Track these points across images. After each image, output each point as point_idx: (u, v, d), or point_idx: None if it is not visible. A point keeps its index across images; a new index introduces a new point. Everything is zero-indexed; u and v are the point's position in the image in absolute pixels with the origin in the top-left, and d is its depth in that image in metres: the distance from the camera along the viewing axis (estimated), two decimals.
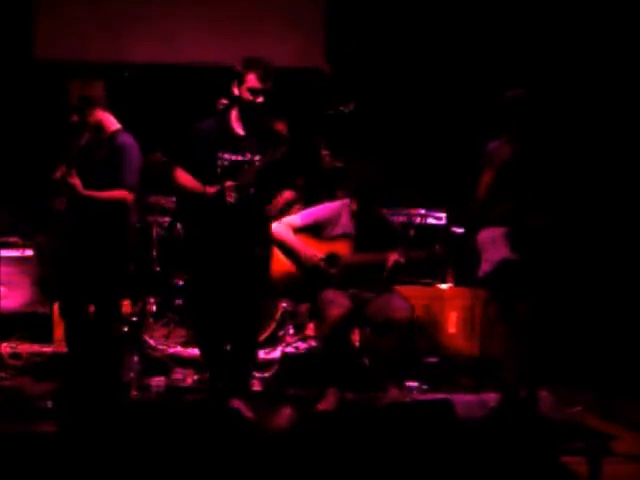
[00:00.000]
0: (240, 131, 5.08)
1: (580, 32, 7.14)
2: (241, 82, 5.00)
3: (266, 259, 5.19)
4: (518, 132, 5.32)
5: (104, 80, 5.14)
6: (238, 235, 5.02)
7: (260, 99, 4.99)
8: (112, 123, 5.10)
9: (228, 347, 5.20)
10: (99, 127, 5.07)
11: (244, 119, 5.06)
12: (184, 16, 7.78)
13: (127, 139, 5.04)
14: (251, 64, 5.00)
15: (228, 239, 5.02)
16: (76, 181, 4.91)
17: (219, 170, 5.01)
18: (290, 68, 7.77)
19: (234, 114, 5.10)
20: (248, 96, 4.99)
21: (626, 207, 6.75)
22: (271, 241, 5.31)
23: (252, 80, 4.97)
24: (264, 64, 5.02)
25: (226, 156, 5.03)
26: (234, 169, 5.01)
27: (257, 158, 5.02)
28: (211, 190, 4.96)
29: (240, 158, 5.03)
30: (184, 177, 5.05)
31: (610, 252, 6.65)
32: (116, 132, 5.07)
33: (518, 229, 5.25)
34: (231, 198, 4.93)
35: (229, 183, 4.95)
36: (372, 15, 7.77)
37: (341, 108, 5.09)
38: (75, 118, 5.02)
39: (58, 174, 4.97)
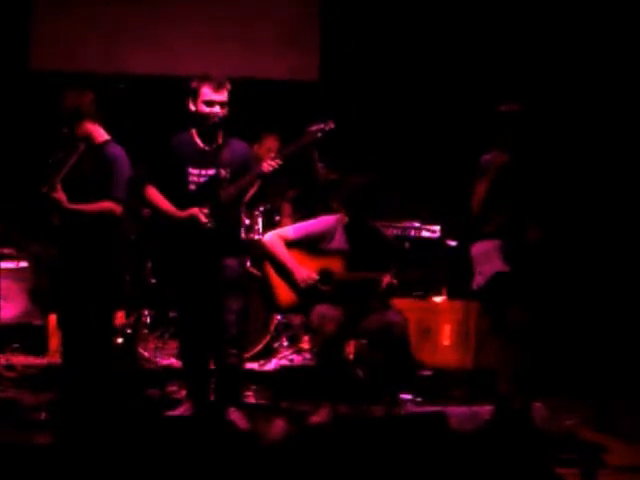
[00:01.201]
0: (202, 145, 5.10)
1: (578, 44, 7.16)
2: (196, 96, 5.03)
3: (239, 271, 5.19)
4: (513, 145, 5.33)
5: (97, 91, 5.14)
6: (210, 250, 5.04)
7: (216, 109, 5.01)
8: (101, 134, 5.09)
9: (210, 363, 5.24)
10: (88, 138, 5.05)
11: (204, 133, 5.08)
12: (181, 29, 7.80)
13: (116, 150, 5.03)
14: (203, 77, 5.04)
15: (200, 255, 5.05)
16: (60, 196, 4.90)
17: (190, 186, 5.05)
18: (286, 82, 7.82)
19: (194, 130, 5.12)
20: (204, 109, 5.02)
21: (623, 219, 6.77)
22: (246, 253, 5.31)
23: (206, 92, 5.00)
24: (216, 76, 5.06)
25: (195, 171, 5.06)
26: (207, 184, 5.04)
27: (224, 172, 5.04)
28: (182, 215, 5.00)
29: (210, 172, 5.06)
30: (155, 195, 5.09)
31: (606, 263, 6.67)
32: (105, 143, 5.06)
33: (512, 242, 5.27)
34: (207, 222, 4.96)
35: (196, 210, 4.97)
36: (367, 30, 7.81)
37: (321, 127, 5.11)
38: (65, 131, 5.02)
39: (44, 188, 4.95)
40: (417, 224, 6.69)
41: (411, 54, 7.74)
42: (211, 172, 5.05)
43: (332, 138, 5.21)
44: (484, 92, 7.12)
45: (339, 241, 5.50)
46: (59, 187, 4.90)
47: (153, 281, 6.63)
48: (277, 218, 6.85)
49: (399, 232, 6.60)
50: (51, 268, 5.78)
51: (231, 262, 5.11)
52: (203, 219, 4.96)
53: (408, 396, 5.89)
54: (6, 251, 6.90)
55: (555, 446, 4.73)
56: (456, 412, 5.34)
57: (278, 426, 5.23)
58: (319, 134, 5.13)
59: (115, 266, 5.11)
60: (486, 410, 5.32)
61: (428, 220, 6.71)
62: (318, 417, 5.26)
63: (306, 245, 5.50)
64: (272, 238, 5.46)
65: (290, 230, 5.54)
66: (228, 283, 5.08)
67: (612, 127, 7.00)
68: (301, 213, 6.75)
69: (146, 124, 7.13)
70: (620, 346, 6.38)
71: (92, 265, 5.04)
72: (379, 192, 5.54)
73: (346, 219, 5.53)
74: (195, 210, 4.98)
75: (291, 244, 5.47)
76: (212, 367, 5.27)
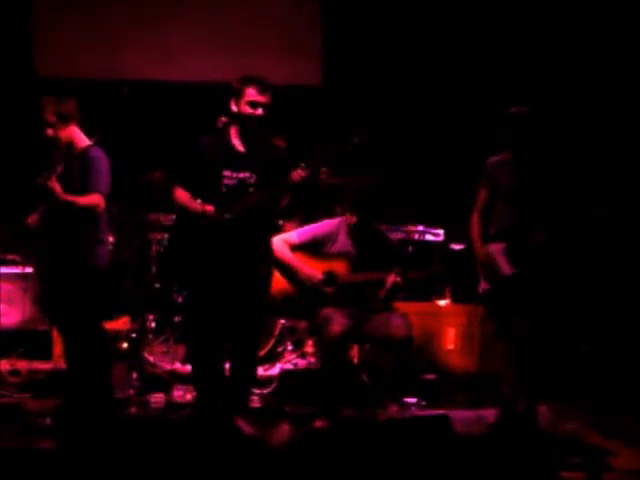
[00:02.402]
0: (241, 148, 5.10)
1: (582, 45, 7.15)
2: (240, 97, 5.03)
3: (268, 277, 5.20)
4: (520, 147, 5.33)
5: (100, 97, 5.18)
6: (240, 254, 5.02)
7: (259, 111, 5.02)
8: (82, 139, 5.15)
9: (225, 366, 5.23)
10: (70, 143, 5.12)
11: (244, 134, 5.08)
12: (183, 34, 7.81)
13: (97, 152, 5.10)
14: (249, 78, 5.06)
15: (229, 258, 5.02)
16: (56, 185, 4.95)
17: (223, 189, 5.04)
18: (288, 86, 7.82)
19: (233, 131, 5.12)
20: (248, 110, 5.02)
21: (627, 220, 6.76)
22: (272, 259, 5.31)
23: (251, 93, 5.01)
24: (261, 78, 5.08)
25: (229, 173, 5.05)
26: (238, 187, 5.03)
27: (258, 177, 5.03)
28: (196, 207, 5.00)
29: (242, 175, 5.05)
30: (184, 196, 5.09)
31: (610, 267, 6.66)
32: (87, 147, 5.12)
33: (518, 245, 5.26)
34: (215, 216, 4.97)
35: (210, 208, 4.96)
36: (370, 33, 7.80)
37: (354, 140, 5.12)
38: (50, 132, 5.07)
39: (40, 180, 4.99)
40: (421, 228, 6.69)
41: (414, 58, 7.73)
42: (244, 175, 5.05)
43: (336, 143, 5.22)
44: (488, 94, 7.11)
45: (342, 244, 5.53)
46: (54, 179, 4.96)
47: (157, 286, 6.64)
48: (280, 222, 6.84)
49: (403, 236, 6.60)
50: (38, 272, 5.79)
51: (258, 270, 5.11)
52: (212, 212, 4.96)
53: (412, 400, 5.89)
54: (11, 257, 6.91)
55: (560, 450, 4.73)
56: (461, 416, 5.34)
57: (283, 430, 5.24)
58: (354, 144, 5.14)
59: (93, 272, 5.11)
60: (491, 414, 5.32)
61: (432, 224, 6.70)
62: (322, 421, 5.26)
63: (310, 248, 5.53)
64: (277, 243, 5.49)
65: (294, 235, 5.58)
66: (254, 289, 5.08)
67: (617, 128, 6.99)
68: (304, 218, 6.75)
69: (149, 129, 7.15)
70: (627, 348, 6.37)
71: (68, 269, 5.07)
72: (384, 194, 5.56)
73: (350, 221, 5.54)
74: (208, 206, 4.99)
75: (295, 248, 5.51)
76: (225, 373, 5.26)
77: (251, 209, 4.99)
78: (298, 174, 4.96)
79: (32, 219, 5.22)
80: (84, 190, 5.00)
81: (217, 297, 5.06)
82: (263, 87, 5.02)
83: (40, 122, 5.09)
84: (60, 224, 5.07)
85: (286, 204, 5.98)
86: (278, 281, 5.48)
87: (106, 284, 5.20)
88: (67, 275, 5.06)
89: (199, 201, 5.02)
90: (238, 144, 5.09)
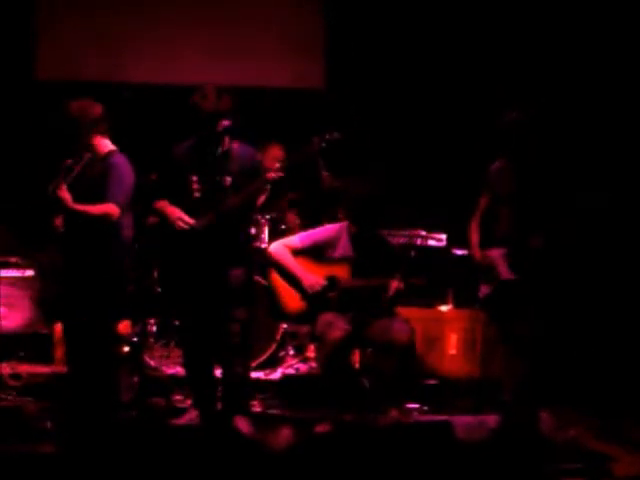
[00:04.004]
0: (207, 152, 5.11)
1: (583, 50, 7.15)
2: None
3: (245, 281, 5.20)
4: (518, 154, 5.33)
5: (102, 100, 5.21)
6: (212, 260, 5.07)
7: (225, 123, 5.02)
8: (106, 145, 5.18)
9: (216, 371, 5.27)
10: (96, 148, 5.15)
11: (208, 140, 5.09)
12: (185, 37, 7.82)
13: (119, 159, 5.13)
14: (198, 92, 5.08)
15: (203, 264, 5.07)
16: (65, 195, 4.98)
17: (195, 194, 5.09)
18: (289, 89, 7.83)
19: (199, 136, 5.13)
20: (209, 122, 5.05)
21: (628, 224, 6.75)
22: (251, 262, 5.33)
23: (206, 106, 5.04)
24: (202, 88, 5.08)
25: (198, 178, 5.09)
26: (208, 192, 5.06)
27: (227, 180, 5.07)
28: (168, 213, 5.07)
29: (211, 180, 5.08)
30: (162, 204, 5.13)
31: (610, 271, 6.66)
32: (110, 153, 5.15)
33: (517, 250, 5.27)
34: (181, 225, 5.03)
35: (177, 214, 5.02)
36: (373, 36, 7.81)
37: (327, 137, 5.16)
38: (78, 139, 5.08)
39: (50, 188, 5.02)
40: (423, 233, 6.67)
41: (417, 61, 7.74)
42: (215, 179, 5.07)
43: (337, 146, 5.23)
44: (492, 98, 7.11)
45: (344, 248, 5.53)
46: (64, 187, 4.99)
47: (159, 290, 6.64)
48: (283, 227, 6.85)
49: (405, 241, 6.59)
50: (57, 276, 5.82)
51: (236, 271, 5.13)
52: (179, 224, 5.00)
53: (414, 405, 5.88)
54: (12, 259, 6.92)
55: (561, 456, 4.71)
56: (462, 421, 5.31)
57: (284, 435, 5.22)
58: (323, 144, 5.17)
59: (115, 273, 5.15)
60: (492, 419, 5.29)
61: (434, 229, 6.69)
62: (323, 426, 5.25)
63: (312, 253, 5.52)
64: (278, 248, 5.49)
65: (296, 239, 5.58)
66: (233, 292, 5.10)
67: (615, 132, 6.99)
68: (307, 222, 6.75)
69: (151, 133, 7.16)
70: (628, 354, 6.37)
71: (92, 271, 5.10)
72: (382, 202, 5.55)
73: (351, 227, 5.54)
74: (177, 214, 5.02)
75: (297, 253, 5.50)
76: (219, 376, 5.28)
77: (228, 213, 5.02)
78: (271, 175, 5.02)
79: (60, 221, 5.20)
80: (100, 197, 5.02)
81: (199, 301, 5.12)
82: (201, 97, 5.01)
83: (67, 127, 5.10)
84: (81, 227, 5.09)
85: (262, 204, 6.04)
86: (280, 287, 5.49)
87: (124, 287, 5.26)
88: (93, 276, 5.09)
89: (177, 209, 5.08)
90: (205, 149, 5.11)
